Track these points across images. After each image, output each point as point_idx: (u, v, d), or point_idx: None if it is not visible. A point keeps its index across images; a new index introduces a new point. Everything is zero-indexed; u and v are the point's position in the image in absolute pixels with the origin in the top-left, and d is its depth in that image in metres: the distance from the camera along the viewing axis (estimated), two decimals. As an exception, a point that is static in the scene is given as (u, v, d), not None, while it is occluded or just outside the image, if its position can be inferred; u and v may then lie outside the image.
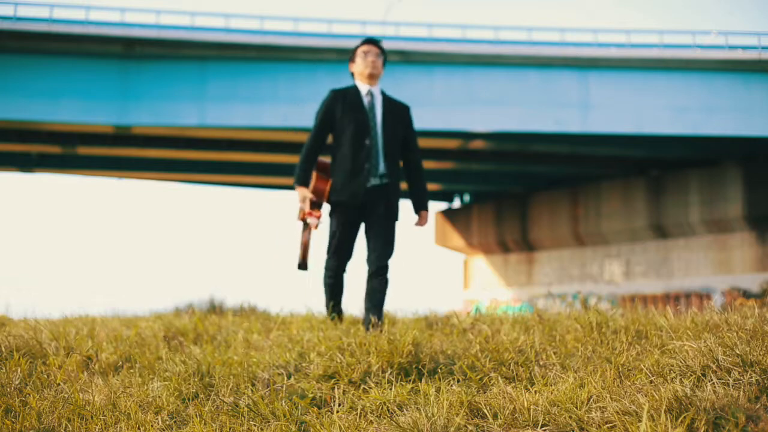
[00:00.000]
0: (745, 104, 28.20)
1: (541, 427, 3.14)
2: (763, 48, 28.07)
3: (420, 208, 5.74)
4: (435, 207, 46.74)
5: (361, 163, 5.51)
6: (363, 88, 5.73)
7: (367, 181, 5.52)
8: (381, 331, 4.81)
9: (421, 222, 5.71)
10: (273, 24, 28.13)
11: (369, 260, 5.51)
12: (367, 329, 5.17)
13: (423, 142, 31.57)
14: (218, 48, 27.15)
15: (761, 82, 28.30)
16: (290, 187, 40.48)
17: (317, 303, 6.74)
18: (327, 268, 5.64)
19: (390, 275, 5.51)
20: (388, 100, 5.77)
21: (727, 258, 33.35)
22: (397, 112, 5.73)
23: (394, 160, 5.64)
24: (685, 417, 2.81)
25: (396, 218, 5.63)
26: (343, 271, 5.69)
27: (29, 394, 3.82)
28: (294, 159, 35.65)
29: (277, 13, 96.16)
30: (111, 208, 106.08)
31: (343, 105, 5.65)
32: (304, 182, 5.59)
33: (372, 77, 5.70)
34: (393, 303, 6.52)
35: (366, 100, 5.66)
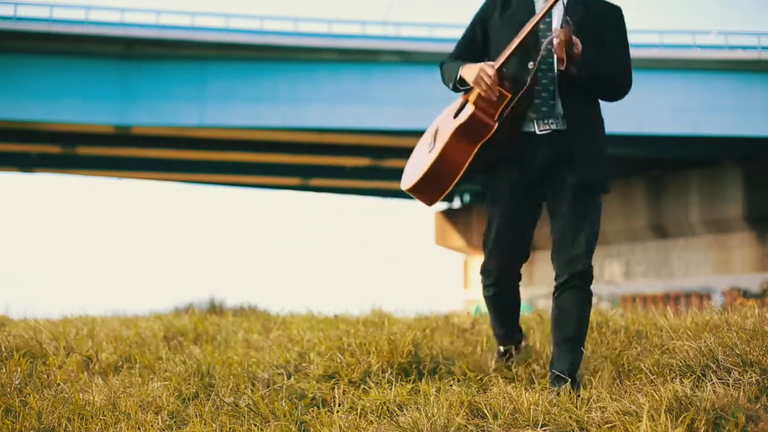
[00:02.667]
0: (745, 104, 28.20)
1: (541, 427, 3.14)
2: (763, 48, 28.07)
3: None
4: (435, 207, 46.74)
5: (521, 99, 3.59)
6: None
7: (529, 126, 3.64)
8: (577, 394, 3.29)
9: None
10: (273, 24, 28.16)
11: (554, 260, 3.63)
12: (554, 384, 3.49)
13: (423, 142, 31.55)
14: (218, 48, 27.16)
15: (761, 82, 28.30)
16: (290, 187, 40.45)
17: (317, 303, 6.74)
18: (484, 274, 3.85)
19: (591, 286, 3.66)
20: (578, 2, 3.69)
21: (727, 258, 33.35)
22: (594, 19, 3.68)
23: (582, 96, 3.64)
24: (685, 417, 2.81)
25: (594, 187, 3.63)
26: (513, 277, 3.82)
27: (29, 394, 3.82)
28: (294, 159, 35.68)
29: (277, 13, 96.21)
30: (111, 208, 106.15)
31: (503, 10, 3.79)
32: (452, 78, 3.84)
33: None
34: (393, 303, 6.50)
35: (539, 4, 3.71)
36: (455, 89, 3.83)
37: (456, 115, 3.73)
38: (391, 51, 27.65)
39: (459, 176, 3.63)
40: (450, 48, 4.19)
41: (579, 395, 3.28)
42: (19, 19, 26.09)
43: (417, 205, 49.18)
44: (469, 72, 3.68)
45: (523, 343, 4.13)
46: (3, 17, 25.97)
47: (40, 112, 26.69)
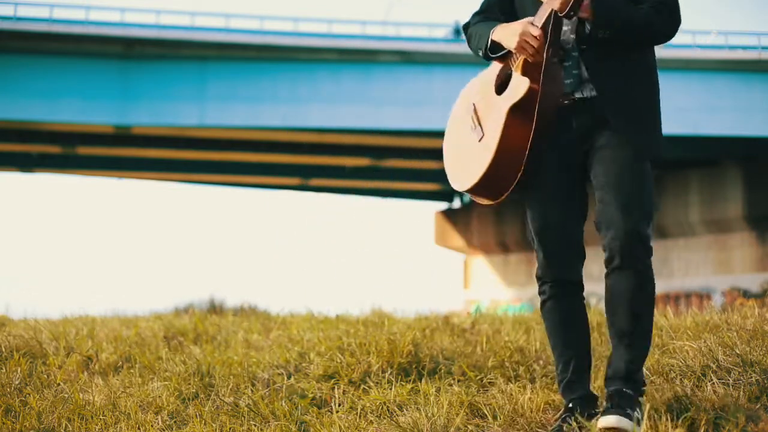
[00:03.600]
0: (745, 104, 28.22)
1: (540, 428, 3.14)
2: (763, 48, 28.10)
3: None
4: (435, 207, 46.75)
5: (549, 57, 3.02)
6: None
7: (561, 95, 3.06)
8: (636, 408, 2.82)
9: None
10: (273, 24, 28.23)
11: (600, 239, 3.02)
12: (609, 395, 2.92)
13: (423, 142, 31.65)
14: (218, 48, 27.18)
15: (761, 82, 28.32)
16: (290, 187, 40.38)
17: (317, 303, 6.74)
18: (537, 279, 3.21)
19: (647, 267, 2.98)
20: None
21: (727, 258, 33.35)
22: None
23: (613, 52, 3.03)
24: (685, 417, 2.81)
25: (635, 149, 3.01)
26: (568, 283, 3.15)
27: (29, 394, 3.82)
28: (294, 159, 35.69)
29: (277, 13, 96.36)
30: (111, 208, 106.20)
31: None
32: (482, 44, 3.20)
33: None
34: (393, 303, 6.48)
35: None
36: (486, 57, 3.20)
37: (500, 90, 3.09)
38: (391, 51, 27.65)
39: (525, 163, 2.99)
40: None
41: (640, 403, 2.87)
42: (19, 19, 26.11)
43: (417, 205, 49.19)
44: (505, 35, 3.06)
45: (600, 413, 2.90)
46: (3, 17, 25.98)
47: (40, 112, 26.70)
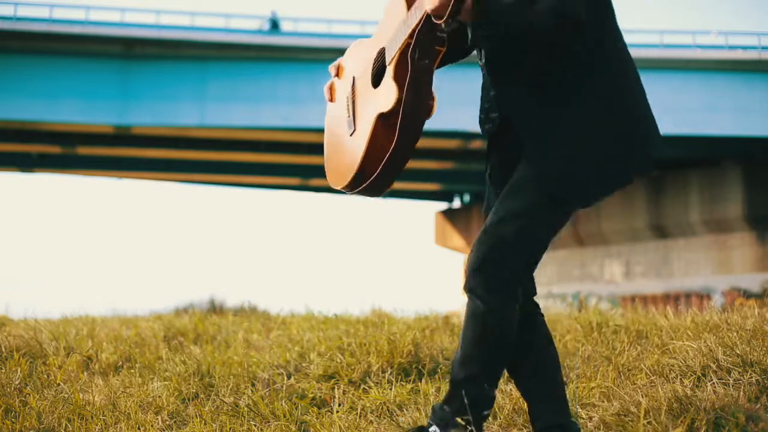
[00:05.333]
0: (745, 104, 28.24)
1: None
2: (763, 48, 28.11)
3: None
4: (435, 207, 46.77)
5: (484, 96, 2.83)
6: None
7: (487, 123, 2.79)
8: None
9: None
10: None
11: None
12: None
13: (423, 143, 31.61)
14: (218, 48, 27.21)
15: (761, 82, 28.33)
16: (290, 187, 40.47)
17: (317, 303, 6.74)
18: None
19: (482, 299, 2.60)
20: None
21: (727, 258, 33.35)
22: None
23: (521, 65, 2.66)
24: (685, 417, 2.81)
25: (528, 181, 2.62)
26: (513, 298, 2.63)
27: (29, 394, 3.82)
28: (294, 159, 35.72)
29: (278, 13, 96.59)
30: (111, 208, 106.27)
31: None
32: None
33: None
34: (393, 303, 6.48)
35: None
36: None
37: (376, 80, 2.79)
38: (391, 51, 27.74)
39: (378, 171, 2.68)
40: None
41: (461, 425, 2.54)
42: (19, 19, 26.13)
43: (417, 204, 49.22)
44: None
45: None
46: (3, 17, 26.01)
47: (40, 112, 26.71)
